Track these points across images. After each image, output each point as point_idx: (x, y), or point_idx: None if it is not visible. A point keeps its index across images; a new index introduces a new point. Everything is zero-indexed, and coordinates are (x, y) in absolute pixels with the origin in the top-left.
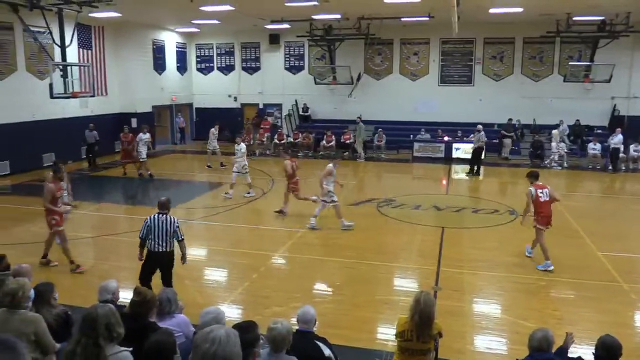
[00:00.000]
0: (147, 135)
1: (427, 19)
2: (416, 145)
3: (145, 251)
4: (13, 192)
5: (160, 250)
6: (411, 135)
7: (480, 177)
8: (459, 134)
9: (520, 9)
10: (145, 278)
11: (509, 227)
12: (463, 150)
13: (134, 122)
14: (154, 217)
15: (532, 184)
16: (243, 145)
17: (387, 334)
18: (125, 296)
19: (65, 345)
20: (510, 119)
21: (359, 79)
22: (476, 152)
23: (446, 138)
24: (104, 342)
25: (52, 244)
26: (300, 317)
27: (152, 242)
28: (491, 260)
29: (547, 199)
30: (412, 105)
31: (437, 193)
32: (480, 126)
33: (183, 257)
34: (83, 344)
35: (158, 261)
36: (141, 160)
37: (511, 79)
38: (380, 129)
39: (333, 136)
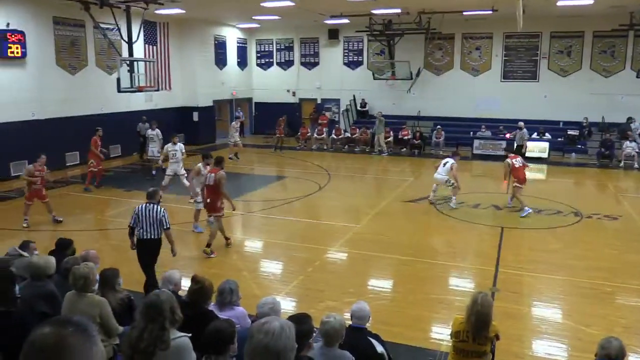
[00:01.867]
0: (157, 131)
1: (491, 12)
2: (476, 142)
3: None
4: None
5: (148, 237)
6: (471, 132)
7: (543, 177)
8: None
9: (590, 1)
10: (142, 265)
11: (573, 229)
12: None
13: (195, 116)
14: (142, 207)
15: (507, 156)
16: (181, 146)
17: (441, 334)
18: (184, 285)
19: (128, 329)
20: (630, 118)
21: (418, 74)
22: (517, 150)
23: (508, 135)
24: (169, 325)
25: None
26: (354, 312)
27: (142, 231)
28: (552, 263)
29: (520, 165)
30: (472, 101)
31: (497, 192)
32: (521, 123)
33: (172, 249)
34: (150, 329)
35: (146, 248)
36: (151, 157)
37: (579, 75)
38: (439, 126)
39: (391, 132)
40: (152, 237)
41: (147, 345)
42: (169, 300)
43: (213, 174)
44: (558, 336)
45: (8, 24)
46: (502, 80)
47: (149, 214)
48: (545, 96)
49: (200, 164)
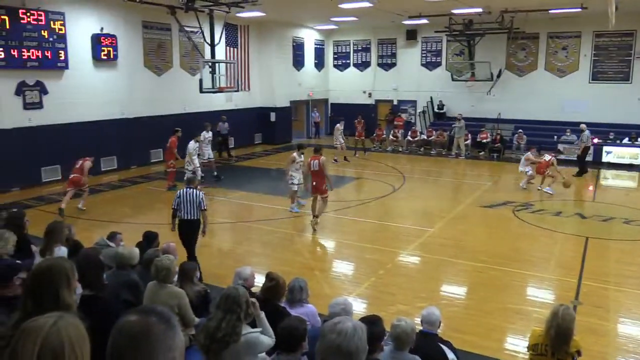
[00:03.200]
0: (210, 134)
1: (579, 10)
2: (560, 146)
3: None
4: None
5: (189, 218)
6: (555, 136)
7: (634, 184)
8: (611, 136)
9: None
10: (183, 242)
11: None
12: (615, 154)
13: (272, 117)
14: (183, 192)
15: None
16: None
17: (517, 345)
18: (258, 281)
19: (204, 320)
20: None
21: (499, 75)
22: (583, 153)
23: (596, 140)
24: (244, 317)
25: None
26: (425, 317)
27: (183, 212)
28: None
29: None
30: (557, 103)
31: (582, 199)
32: (583, 125)
33: (204, 227)
34: (228, 320)
35: (187, 228)
36: (209, 160)
37: None
38: (520, 129)
39: (469, 135)
40: (192, 217)
41: (224, 335)
42: (245, 295)
43: (317, 160)
44: None
45: (102, 29)
46: (591, 81)
47: (189, 198)
48: (639, 99)
49: (295, 153)
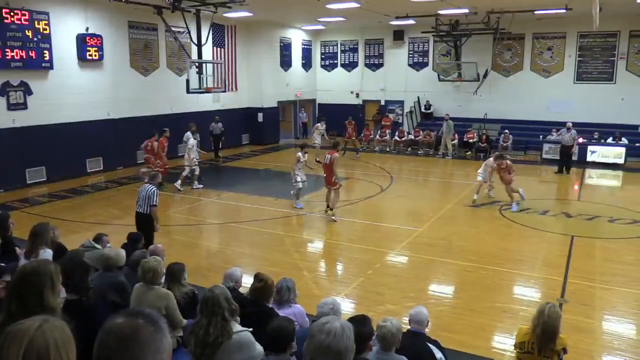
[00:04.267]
0: (196, 138)
1: (564, 11)
2: (546, 146)
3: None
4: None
5: (140, 211)
6: (540, 136)
7: (618, 184)
8: (596, 136)
9: None
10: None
11: None
12: (599, 153)
13: (260, 117)
14: (143, 187)
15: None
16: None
17: (504, 344)
18: (245, 282)
19: (191, 322)
20: None
21: (485, 75)
22: (566, 150)
23: (580, 140)
24: (228, 315)
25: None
26: (413, 316)
27: (137, 205)
28: (628, 276)
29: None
30: (543, 103)
31: (568, 199)
32: (569, 123)
33: (155, 223)
34: (214, 323)
35: (139, 220)
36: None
37: None
38: (506, 129)
39: (456, 135)
40: (143, 211)
41: (215, 338)
42: (223, 293)
43: (330, 155)
44: (632, 353)
45: (87, 29)
46: (576, 81)
47: (142, 192)
48: (622, 99)
49: (299, 153)
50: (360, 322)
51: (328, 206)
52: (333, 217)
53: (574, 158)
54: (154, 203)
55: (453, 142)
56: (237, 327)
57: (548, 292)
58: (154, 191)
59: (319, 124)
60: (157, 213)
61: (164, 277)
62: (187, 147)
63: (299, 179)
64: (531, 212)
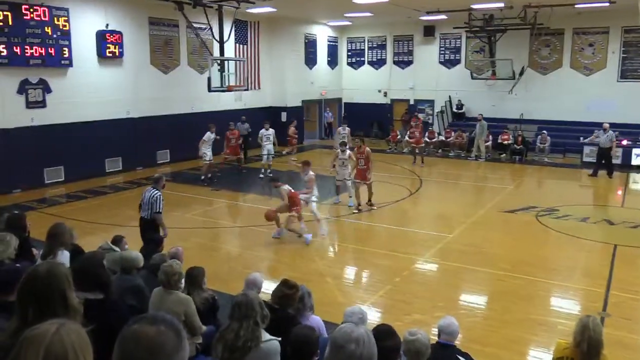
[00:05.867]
0: (214, 136)
1: (607, 5)
2: (587, 149)
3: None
4: (174, 180)
5: (142, 216)
6: (581, 138)
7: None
8: None
9: None
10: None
11: None
12: None
13: (283, 116)
14: (147, 190)
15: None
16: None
17: (540, 359)
18: (265, 287)
19: (211, 328)
20: None
21: (521, 73)
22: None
23: (624, 142)
24: (260, 320)
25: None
26: (443, 328)
27: (142, 209)
28: None
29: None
30: (583, 103)
31: (611, 205)
32: (606, 124)
33: (163, 230)
34: (245, 327)
35: (142, 224)
36: (206, 162)
37: None
38: (544, 130)
39: (490, 136)
40: (145, 216)
41: (244, 342)
42: (257, 298)
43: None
44: None
45: (107, 25)
46: (620, 79)
47: (145, 198)
48: None
49: (338, 150)
50: (388, 334)
51: (367, 201)
52: (373, 207)
53: (617, 162)
54: (158, 210)
55: (486, 143)
56: (266, 335)
57: (588, 304)
58: (157, 197)
59: (340, 128)
60: (162, 220)
61: (183, 282)
62: (202, 140)
63: (338, 177)
64: (570, 218)
